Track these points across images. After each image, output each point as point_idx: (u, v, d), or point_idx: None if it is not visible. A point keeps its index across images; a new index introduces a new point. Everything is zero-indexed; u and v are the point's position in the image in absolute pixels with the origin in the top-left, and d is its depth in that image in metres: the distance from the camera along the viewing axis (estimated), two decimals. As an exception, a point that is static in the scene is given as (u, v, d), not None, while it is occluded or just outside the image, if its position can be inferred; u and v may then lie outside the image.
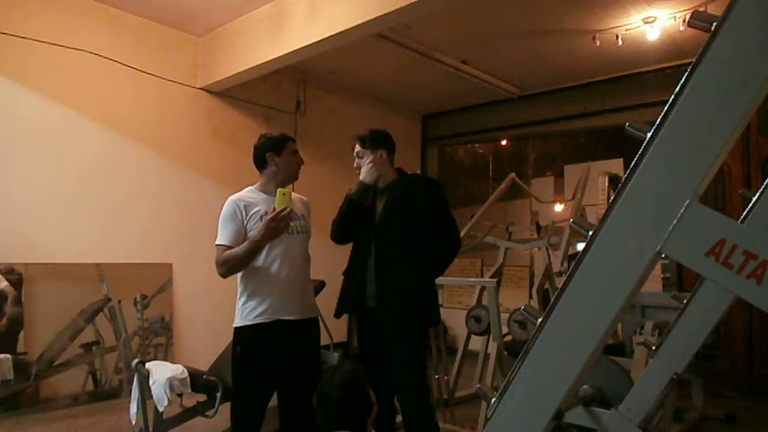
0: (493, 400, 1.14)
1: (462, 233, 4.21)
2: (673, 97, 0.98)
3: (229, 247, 2.28)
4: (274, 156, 2.42)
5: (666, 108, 0.98)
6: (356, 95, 6.51)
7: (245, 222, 2.32)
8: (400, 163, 2.64)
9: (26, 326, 3.96)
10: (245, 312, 2.34)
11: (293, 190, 2.39)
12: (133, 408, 2.81)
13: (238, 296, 2.39)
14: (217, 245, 2.33)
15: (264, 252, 2.30)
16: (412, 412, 2.39)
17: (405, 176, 2.57)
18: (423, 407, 2.41)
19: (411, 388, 2.39)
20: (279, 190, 2.24)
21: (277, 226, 2.19)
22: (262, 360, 2.32)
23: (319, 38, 4.01)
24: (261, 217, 2.31)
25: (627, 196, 1.01)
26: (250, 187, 2.46)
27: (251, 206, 2.34)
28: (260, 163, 2.46)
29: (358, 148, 2.56)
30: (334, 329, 3.67)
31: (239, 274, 2.37)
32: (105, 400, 4.26)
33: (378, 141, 2.54)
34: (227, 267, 2.29)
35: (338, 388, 1.73)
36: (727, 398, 4.59)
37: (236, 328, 2.37)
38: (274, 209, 2.20)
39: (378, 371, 2.44)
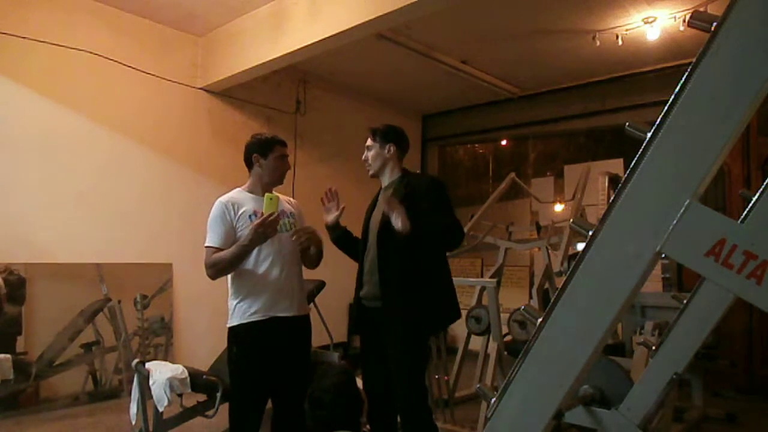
0: (493, 400, 1.14)
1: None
2: (673, 97, 0.98)
3: (218, 249, 2.29)
4: (259, 158, 2.43)
5: (666, 108, 0.98)
6: (356, 95, 6.51)
7: (234, 222, 2.32)
8: (399, 164, 2.63)
9: (26, 326, 3.96)
10: (240, 311, 2.34)
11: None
12: (133, 408, 2.82)
13: (231, 296, 2.39)
14: (206, 247, 2.33)
15: (255, 252, 2.31)
16: (409, 414, 2.38)
17: (408, 176, 2.54)
18: (420, 409, 2.39)
19: (407, 390, 2.38)
20: (266, 195, 2.24)
21: (265, 231, 2.19)
22: (258, 358, 2.32)
23: (319, 38, 4.01)
24: (249, 217, 2.32)
25: (627, 196, 1.01)
26: (238, 188, 2.46)
27: (239, 206, 2.34)
28: (248, 163, 2.48)
29: (369, 141, 2.54)
30: (334, 329, 3.67)
31: (230, 275, 2.38)
32: (105, 400, 4.26)
33: (387, 135, 2.52)
34: (215, 270, 2.29)
35: (329, 390, 1.74)
36: (727, 398, 4.59)
37: (231, 328, 2.37)
38: (262, 213, 2.20)
39: (378, 371, 2.45)
